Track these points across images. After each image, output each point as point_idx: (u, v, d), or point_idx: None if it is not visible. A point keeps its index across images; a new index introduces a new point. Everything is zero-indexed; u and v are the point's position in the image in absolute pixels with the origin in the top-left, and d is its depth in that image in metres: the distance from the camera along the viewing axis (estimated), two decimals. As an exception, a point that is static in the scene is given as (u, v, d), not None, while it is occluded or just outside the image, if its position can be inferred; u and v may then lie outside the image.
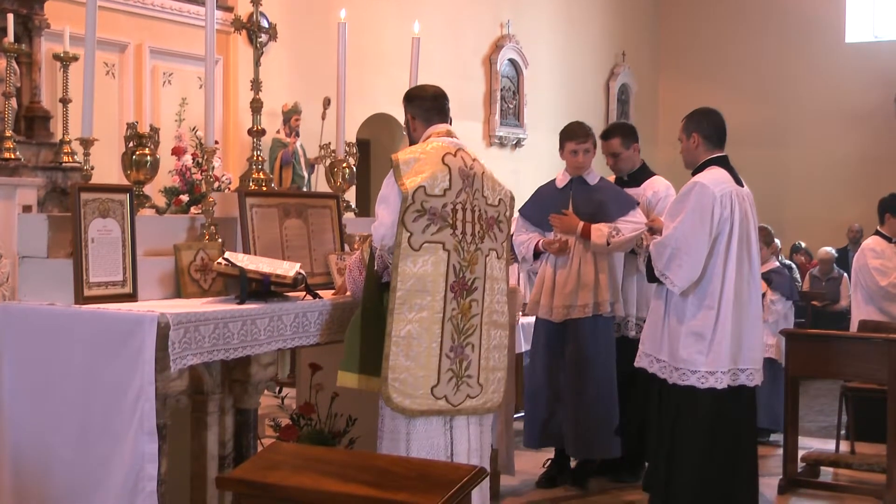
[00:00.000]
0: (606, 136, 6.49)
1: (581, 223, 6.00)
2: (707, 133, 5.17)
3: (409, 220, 4.24)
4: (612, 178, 6.60)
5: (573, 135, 6.24)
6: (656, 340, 5.15)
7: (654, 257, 5.05)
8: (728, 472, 5.06)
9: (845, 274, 12.77)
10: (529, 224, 6.28)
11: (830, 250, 13.12)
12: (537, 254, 6.20)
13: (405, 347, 4.26)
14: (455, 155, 4.40)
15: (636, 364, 5.30)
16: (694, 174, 5.18)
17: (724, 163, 5.16)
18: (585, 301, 5.98)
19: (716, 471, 5.03)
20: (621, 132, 6.49)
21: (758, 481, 5.27)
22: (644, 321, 5.73)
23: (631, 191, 6.39)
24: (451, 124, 4.61)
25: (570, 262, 6.03)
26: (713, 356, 4.95)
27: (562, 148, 6.25)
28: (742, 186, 5.12)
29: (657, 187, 6.41)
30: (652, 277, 5.21)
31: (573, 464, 6.33)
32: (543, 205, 6.22)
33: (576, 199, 6.12)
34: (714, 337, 4.95)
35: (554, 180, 6.33)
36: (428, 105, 4.59)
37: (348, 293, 4.62)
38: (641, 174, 6.48)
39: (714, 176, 5.05)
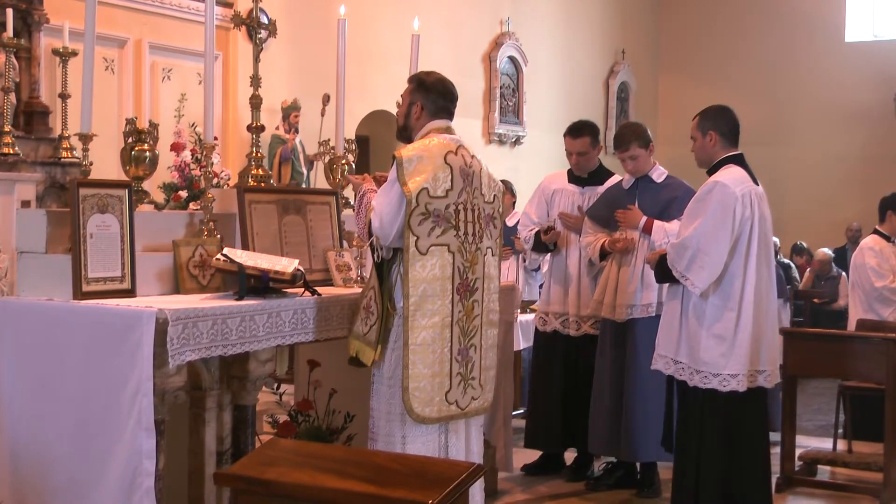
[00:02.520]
0: (577, 133, 6.43)
1: (644, 218, 5.93)
2: (724, 130, 5.09)
3: (414, 224, 4.19)
4: (562, 172, 6.60)
5: (615, 144, 6.25)
6: (672, 341, 5.07)
7: (674, 258, 4.95)
8: (749, 473, 5.04)
9: (844, 273, 12.81)
10: (597, 225, 6.17)
11: (828, 251, 13.15)
12: (604, 255, 6.10)
13: (422, 355, 4.23)
14: (456, 153, 4.36)
15: (652, 367, 5.23)
16: (709, 173, 5.11)
17: (740, 161, 5.09)
18: (649, 300, 5.91)
19: (738, 472, 5.00)
20: (591, 131, 6.46)
21: (771, 482, 5.25)
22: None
23: (594, 189, 6.41)
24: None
25: (634, 260, 5.96)
26: (735, 359, 4.89)
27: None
28: (757, 185, 5.08)
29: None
30: (662, 278, 5.16)
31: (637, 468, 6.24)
32: (610, 205, 6.13)
33: (641, 197, 6.05)
34: (735, 339, 4.90)
35: (621, 181, 6.26)
36: (441, 103, 4.50)
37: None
38: (602, 173, 6.50)
39: (734, 175, 4.99)
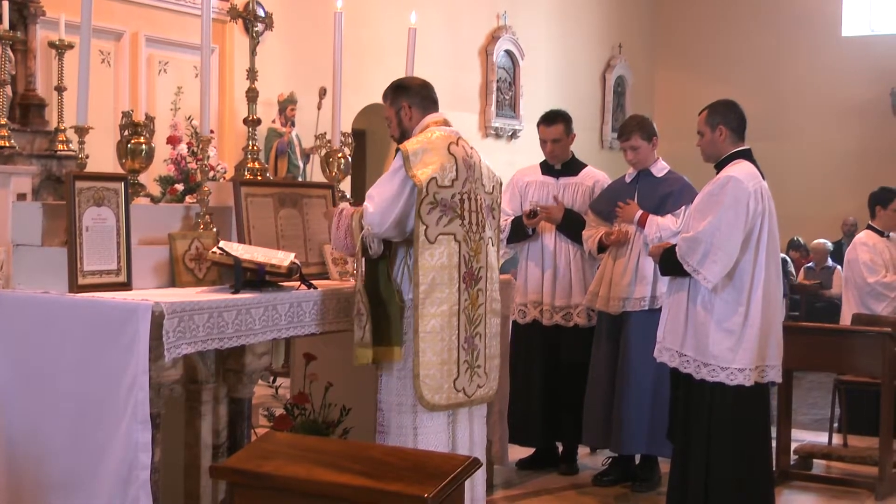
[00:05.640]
0: (551, 121, 6.44)
1: (640, 212, 5.94)
2: (734, 125, 5.06)
3: (424, 213, 4.23)
4: (535, 166, 6.60)
5: (619, 134, 6.27)
6: (678, 334, 5.04)
7: (686, 252, 4.92)
8: (755, 468, 5.03)
9: (839, 266, 12.88)
10: (599, 218, 6.16)
11: (825, 242, 13.26)
12: (602, 248, 6.09)
13: (431, 343, 4.28)
14: (458, 144, 4.41)
15: (658, 359, 5.21)
16: (717, 168, 5.11)
17: (749, 156, 5.09)
18: (642, 294, 5.90)
19: (745, 468, 5.00)
20: (564, 119, 6.46)
21: (773, 476, 5.26)
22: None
23: (569, 180, 6.41)
24: None
25: (629, 253, 5.96)
26: (742, 353, 4.88)
27: None
28: (764, 180, 5.08)
29: (598, 176, 6.45)
30: (667, 270, 5.14)
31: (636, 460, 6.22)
32: (612, 199, 6.12)
33: (641, 191, 6.05)
34: (744, 334, 4.89)
35: (625, 175, 6.25)
36: (424, 94, 4.57)
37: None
38: (575, 164, 6.50)
39: (745, 170, 4.98)
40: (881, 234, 7.83)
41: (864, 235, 7.91)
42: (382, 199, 4.27)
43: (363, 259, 4.36)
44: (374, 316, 4.32)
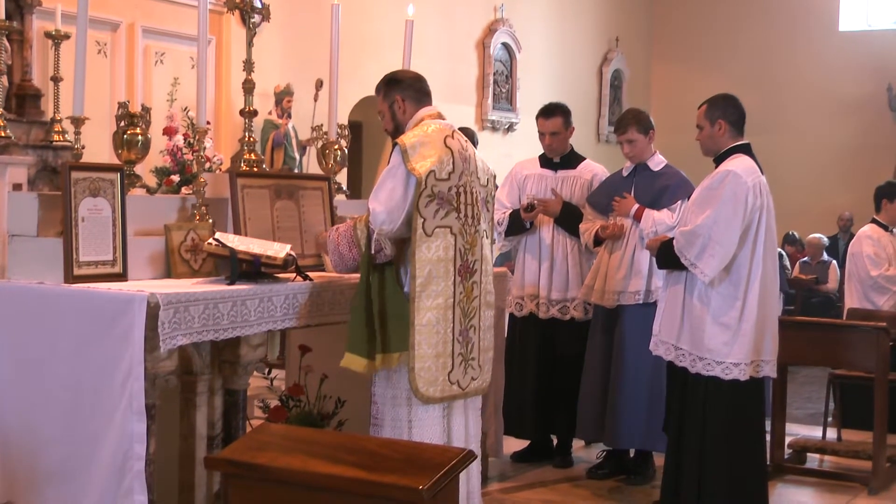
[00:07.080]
0: (550, 113, 6.44)
1: (636, 205, 5.93)
2: (733, 119, 5.06)
3: (422, 206, 4.22)
4: (534, 159, 6.59)
5: (615, 127, 6.28)
6: (674, 328, 5.05)
7: (684, 246, 4.92)
8: (749, 462, 5.04)
9: (834, 261, 12.90)
10: (596, 212, 6.16)
11: (821, 237, 13.28)
12: (598, 241, 6.09)
13: (427, 336, 4.27)
14: (453, 137, 4.40)
15: (653, 352, 5.21)
16: (716, 162, 5.11)
17: (748, 150, 5.08)
18: (637, 288, 5.90)
19: (740, 462, 5.01)
20: (563, 112, 6.47)
21: (767, 471, 5.27)
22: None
23: (568, 173, 6.42)
24: None
25: (624, 247, 5.96)
26: (738, 347, 4.88)
27: None
28: (762, 175, 5.08)
29: (596, 170, 6.46)
30: (664, 264, 5.14)
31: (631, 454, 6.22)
32: (609, 192, 6.12)
33: (638, 185, 6.05)
34: (740, 328, 4.89)
35: (622, 169, 6.25)
36: (417, 86, 4.55)
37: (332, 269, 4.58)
38: (574, 157, 6.51)
39: (744, 165, 4.98)
40: (885, 228, 7.84)
41: (868, 229, 7.92)
42: (390, 197, 4.24)
43: (369, 268, 4.31)
44: (383, 325, 4.29)
